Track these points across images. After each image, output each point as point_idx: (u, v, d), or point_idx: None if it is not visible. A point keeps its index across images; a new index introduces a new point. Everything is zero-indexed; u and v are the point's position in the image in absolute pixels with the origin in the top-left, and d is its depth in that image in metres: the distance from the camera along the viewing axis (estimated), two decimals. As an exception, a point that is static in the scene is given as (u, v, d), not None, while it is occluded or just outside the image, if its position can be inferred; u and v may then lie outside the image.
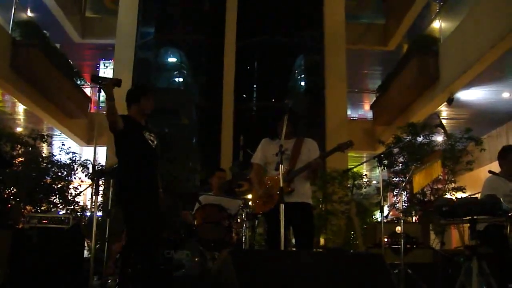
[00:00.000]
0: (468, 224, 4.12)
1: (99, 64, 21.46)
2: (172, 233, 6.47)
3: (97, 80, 4.63)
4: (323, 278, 3.35)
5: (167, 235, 6.16)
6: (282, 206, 4.64)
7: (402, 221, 6.71)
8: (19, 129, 15.14)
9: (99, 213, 9.29)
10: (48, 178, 10.99)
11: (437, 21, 14.68)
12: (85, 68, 20.72)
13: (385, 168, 11.31)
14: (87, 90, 18.03)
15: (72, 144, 15.42)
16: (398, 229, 7.10)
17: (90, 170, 11.10)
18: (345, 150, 5.21)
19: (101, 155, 14.68)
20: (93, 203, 5.90)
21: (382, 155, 6.28)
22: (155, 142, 4.98)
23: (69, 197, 11.03)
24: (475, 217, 4.03)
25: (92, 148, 14.75)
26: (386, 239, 7.10)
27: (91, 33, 19.52)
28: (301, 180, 5.14)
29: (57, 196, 10.86)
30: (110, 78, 4.73)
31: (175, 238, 6.19)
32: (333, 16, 16.72)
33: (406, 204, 11.15)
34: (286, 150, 4.95)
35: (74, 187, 11.30)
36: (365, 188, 12.72)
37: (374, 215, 13.30)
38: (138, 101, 4.97)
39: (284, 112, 5.09)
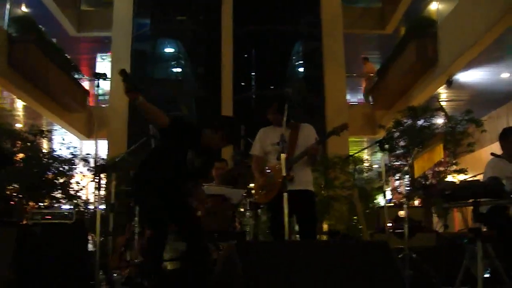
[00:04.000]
0: (471, 207, 4.12)
1: (96, 57, 21.40)
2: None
3: (128, 80, 4.25)
4: (328, 267, 3.35)
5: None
6: (285, 195, 4.64)
7: (405, 205, 6.70)
8: (18, 125, 15.14)
9: (102, 207, 9.30)
10: (50, 173, 11.00)
11: (434, 3, 14.61)
12: (82, 61, 20.66)
13: (387, 152, 11.30)
14: (85, 84, 17.99)
15: (72, 138, 15.42)
16: (401, 213, 7.09)
17: (92, 164, 11.12)
18: (341, 133, 5.19)
19: (102, 148, 14.70)
20: (97, 197, 5.89)
21: (383, 140, 6.25)
22: (194, 165, 4.65)
23: (71, 192, 11.05)
24: (478, 199, 4.03)
25: (93, 142, 14.84)
26: (389, 224, 7.11)
27: (87, 26, 19.40)
28: (301, 167, 5.14)
29: (60, 191, 10.87)
30: (135, 86, 4.31)
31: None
32: (330, 1, 16.64)
33: (408, 188, 11.16)
34: (283, 136, 4.94)
35: (76, 181, 11.31)
36: (366, 173, 12.72)
37: (376, 199, 13.31)
38: (220, 131, 4.65)
39: (285, 100, 5.10)
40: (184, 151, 4.63)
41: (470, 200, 4.08)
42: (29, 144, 10.94)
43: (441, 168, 10.83)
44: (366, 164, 12.66)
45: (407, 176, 10.85)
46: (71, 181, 11.24)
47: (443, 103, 13.40)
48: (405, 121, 11.15)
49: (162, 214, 4.52)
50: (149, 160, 4.78)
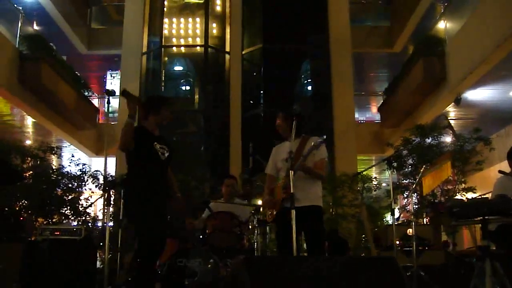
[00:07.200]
0: (480, 225, 4.11)
1: (106, 75, 21.56)
2: (183, 242, 6.48)
3: (125, 95, 4.81)
4: (336, 282, 3.35)
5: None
6: (293, 212, 4.65)
7: (413, 223, 6.69)
8: (28, 142, 15.23)
9: (111, 224, 9.32)
10: (59, 190, 11.04)
11: (442, 21, 14.63)
12: (92, 79, 20.83)
13: (395, 170, 11.27)
14: (95, 101, 18.12)
15: (81, 155, 15.49)
16: (410, 231, 7.09)
17: (100, 181, 11.16)
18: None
19: (111, 165, 14.73)
20: (105, 214, 5.92)
21: (391, 158, 6.25)
22: (166, 154, 4.92)
23: (80, 209, 11.08)
24: (486, 217, 4.02)
25: (101, 159, 14.89)
26: (397, 242, 7.09)
27: (97, 44, 19.63)
28: (307, 182, 5.12)
29: (68, 207, 10.90)
30: (137, 98, 4.89)
31: (187, 246, 6.21)
32: (338, 20, 16.68)
33: (416, 206, 11.12)
34: (291, 152, 4.96)
35: (85, 198, 11.34)
36: (375, 191, 12.68)
37: (385, 218, 13.26)
38: (158, 112, 4.97)
39: (293, 116, 5.14)
40: (150, 148, 4.84)
41: (479, 218, 4.07)
42: (38, 160, 11.00)
43: (450, 187, 10.79)
44: (374, 182, 12.63)
45: (415, 194, 10.81)
46: (80, 197, 11.27)
47: (451, 121, 13.38)
48: (413, 139, 11.13)
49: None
50: (131, 173, 4.96)
